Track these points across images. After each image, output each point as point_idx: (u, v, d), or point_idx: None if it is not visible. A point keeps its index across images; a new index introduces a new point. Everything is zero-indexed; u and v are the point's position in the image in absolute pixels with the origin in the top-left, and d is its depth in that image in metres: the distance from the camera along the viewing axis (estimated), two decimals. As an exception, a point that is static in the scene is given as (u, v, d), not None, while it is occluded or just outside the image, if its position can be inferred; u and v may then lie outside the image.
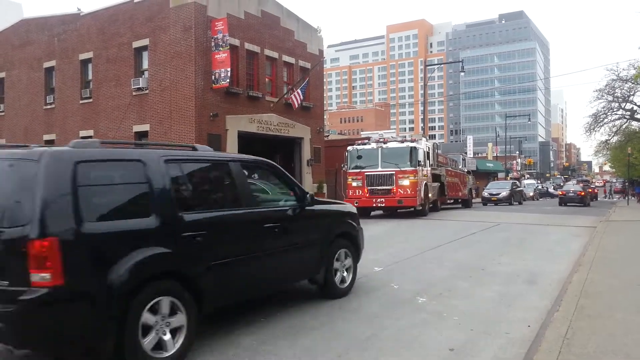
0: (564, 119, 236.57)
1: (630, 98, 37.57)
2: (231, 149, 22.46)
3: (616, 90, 37.27)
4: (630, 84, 35.40)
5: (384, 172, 19.52)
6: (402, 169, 19.27)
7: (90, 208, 4.06)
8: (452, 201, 27.59)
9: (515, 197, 34.79)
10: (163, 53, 22.48)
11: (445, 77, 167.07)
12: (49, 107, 27.12)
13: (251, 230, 5.46)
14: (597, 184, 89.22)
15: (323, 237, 6.53)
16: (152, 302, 4.25)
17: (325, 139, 33.48)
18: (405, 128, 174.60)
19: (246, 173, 5.77)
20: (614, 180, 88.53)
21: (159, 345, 4.31)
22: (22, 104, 28.22)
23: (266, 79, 25.87)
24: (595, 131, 40.47)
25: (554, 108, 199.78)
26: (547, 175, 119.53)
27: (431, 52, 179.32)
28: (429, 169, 21.25)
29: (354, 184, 19.94)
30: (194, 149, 5.57)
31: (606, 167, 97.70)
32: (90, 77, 25.47)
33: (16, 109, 28.53)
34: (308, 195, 6.30)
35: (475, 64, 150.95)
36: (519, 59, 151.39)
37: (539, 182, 73.11)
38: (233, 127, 23.21)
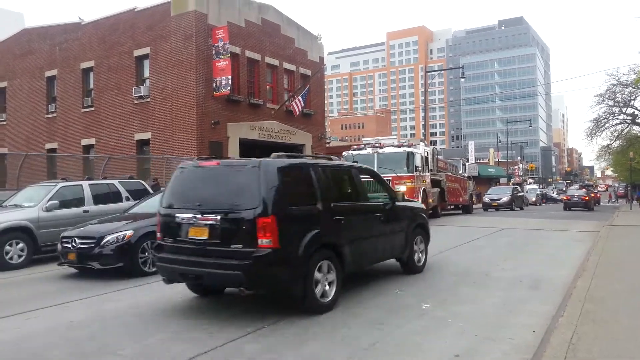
0: (565, 124, 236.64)
1: (631, 102, 37.63)
2: (233, 156, 22.48)
3: (617, 95, 37.33)
4: (630, 88, 35.46)
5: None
6: (398, 174, 18.60)
7: (288, 197, 6.11)
8: (452, 207, 27.40)
9: (517, 203, 34.46)
10: (164, 61, 22.55)
11: (446, 83, 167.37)
12: (50, 115, 27.19)
13: (367, 217, 7.65)
14: (599, 189, 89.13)
15: (407, 226, 8.58)
16: (319, 264, 6.28)
17: (327, 145, 33.52)
18: (406, 134, 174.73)
19: (361, 177, 7.90)
20: (617, 185, 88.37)
21: (322, 294, 6.37)
22: (24, 113, 28.29)
23: (267, 87, 25.93)
24: (597, 136, 40.50)
25: (555, 113, 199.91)
26: (549, 180, 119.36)
27: (431, 58, 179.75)
28: (428, 174, 20.95)
29: None
30: (330, 159, 7.70)
31: (608, 172, 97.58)
32: (91, 85, 25.55)
33: (18, 118, 28.61)
34: (397, 195, 8.48)
35: (475, 70, 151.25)
36: (519, 65, 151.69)
37: (541, 187, 72.99)
38: (234, 135, 23.24)
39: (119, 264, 9.05)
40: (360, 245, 7.23)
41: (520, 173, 77.50)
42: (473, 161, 76.18)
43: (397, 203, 8.32)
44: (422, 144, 21.71)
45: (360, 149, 20.65)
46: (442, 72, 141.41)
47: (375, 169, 17.46)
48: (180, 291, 7.49)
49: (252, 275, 5.77)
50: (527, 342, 5.26)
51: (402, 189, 16.84)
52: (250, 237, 5.77)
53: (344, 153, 20.15)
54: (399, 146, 20.27)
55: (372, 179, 8.74)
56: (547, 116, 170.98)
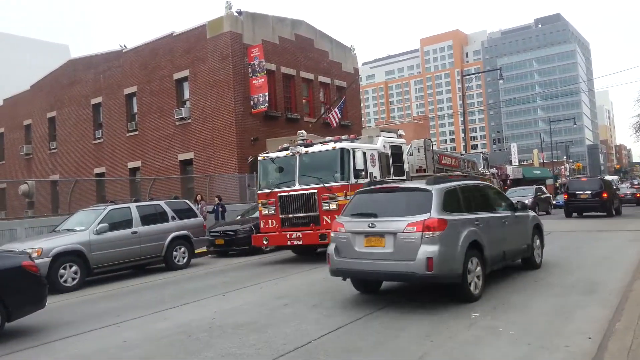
0: (611, 120, 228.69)
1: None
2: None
3: (665, 87, 35.80)
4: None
5: (301, 192, 12.69)
6: (326, 185, 12.39)
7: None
8: None
9: (541, 206, 29.04)
10: (203, 82, 23.12)
11: (484, 85, 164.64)
12: (97, 141, 28.21)
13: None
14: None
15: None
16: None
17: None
18: (445, 140, 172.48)
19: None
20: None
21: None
22: (73, 140, 29.46)
23: (303, 100, 26.18)
24: (646, 131, 38.90)
25: (600, 109, 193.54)
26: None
27: (467, 61, 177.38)
28: (394, 178, 14.86)
29: (265, 211, 13.22)
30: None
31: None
32: (135, 110, 26.41)
33: (67, 145, 29.81)
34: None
35: (513, 70, 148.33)
36: (559, 62, 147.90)
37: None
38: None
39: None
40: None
41: (567, 173, 75.18)
42: (517, 163, 74.46)
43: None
44: (386, 134, 15.49)
45: (286, 149, 13.86)
46: (479, 74, 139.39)
47: (296, 179, 12.86)
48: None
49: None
50: (583, 349, 5.08)
51: (332, 206, 12.20)
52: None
53: (260, 156, 14.07)
54: (333, 141, 13.55)
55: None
56: (592, 113, 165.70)
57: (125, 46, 27.21)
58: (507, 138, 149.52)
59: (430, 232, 6.93)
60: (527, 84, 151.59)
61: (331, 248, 7.86)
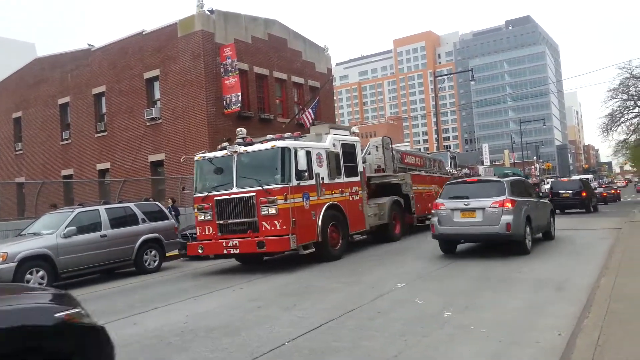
0: (580, 121, 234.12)
1: (646, 95, 36.99)
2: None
3: (630, 89, 36.74)
4: (644, 80, 34.90)
5: (239, 196, 11.55)
6: (265, 187, 11.25)
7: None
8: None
9: None
10: (174, 82, 22.79)
11: (456, 86, 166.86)
12: (65, 142, 27.56)
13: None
14: (619, 185, 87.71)
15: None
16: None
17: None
18: (419, 140, 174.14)
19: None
20: (637, 180, 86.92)
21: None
22: (39, 141, 28.73)
23: (277, 101, 26.05)
24: (613, 131, 39.77)
25: (569, 110, 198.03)
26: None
27: (440, 62, 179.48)
28: (345, 179, 13.33)
29: (201, 216, 12.12)
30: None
31: (627, 167, 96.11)
32: (104, 110, 25.88)
33: (34, 146, 29.06)
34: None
35: (485, 71, 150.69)
36: (529, 64, 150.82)
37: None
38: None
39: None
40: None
41: (537, 173, 76.68)
42: (488, 164, 75.60)
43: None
44: (336, 133, 13.76)
45: (224, 149, 12.54)
46: (452, 75, 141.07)
47: (234, 181, 11.68)
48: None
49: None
50: (553, 345, 5.15)
51: (271, 211, 11.08)
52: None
53: (196, 156, 12.89)
54: (276, 140, 12.33)
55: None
56: (561, 114, 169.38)
57: (92, 45, 26.67)
58: (479, 138, 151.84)
59: (507, 208, 10.80)
60: (498, 85, 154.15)
61: (434, 220, 11.57)
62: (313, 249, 11.76)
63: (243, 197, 11.47)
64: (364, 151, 16.30)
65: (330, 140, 13.10)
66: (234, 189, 11.63)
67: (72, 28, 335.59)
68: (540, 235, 13.28)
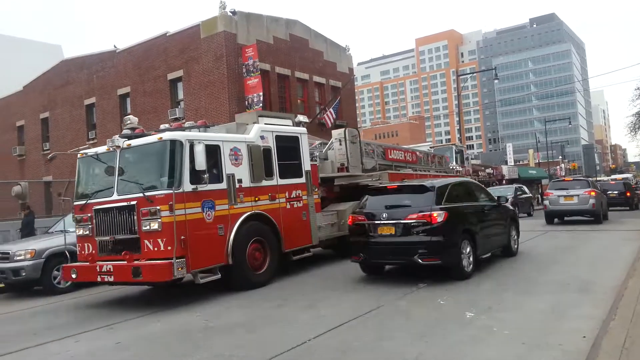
0: (607, 120, 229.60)
1: (675, 93, 36.05)
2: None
3: (659, 86, 35.88)
4: (673, 78, 34.04)
5: (119, 204, 8.76)
6: (147, 194, 8.41)
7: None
8: None
9: (523, 207, 26.80)
10: (197, 83, 23.03)
11: (479, 85, 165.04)
12: (91, 142, 28.03)
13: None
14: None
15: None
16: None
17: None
18: (441, 140, 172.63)
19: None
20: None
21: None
22: (66, 141, 29.27)
23: (298, 101, 26.12)
24: (640, 130, 38.94)
25: (595, 109, 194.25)
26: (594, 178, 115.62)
27: (463, 61, 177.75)
28: (280, 182, 10.49)
29: (79, 230, 9.44)
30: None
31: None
32: (129, 110, 26.24)
33: (61, 146, 29.60)
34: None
35: (509, 70, 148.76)
36: (554, 62, 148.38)
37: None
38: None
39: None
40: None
41: (563, 173, 75.39)
42: (512, 163, 74.60)
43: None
44: (268, 123, 10.90)
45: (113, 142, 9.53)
46: (475, 74, 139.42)
47: (116, 185, 8.89)
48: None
49: None
50: (577, 348, 5.06)
51: (153, 226, 8.27)
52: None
53: (80, 153, 10.50)
54: (172, 129, 9.89)
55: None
56: (587, 113, 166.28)
57: (117, 47, 27.08)
58: (503, 138, 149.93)
59: (593, 194, 18.74)
60: (522, 84, 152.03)
61: (547, 202, 19.71)
62: (218, 275, 8.72)
63: (123, 206, 8.61)
64: (327, 146, 13.79)
65: (257, 132, 10.17)
66: (114, 196, 8.82)
67: (97, 30, 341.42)
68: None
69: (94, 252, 9.10)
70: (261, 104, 22.12)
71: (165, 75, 24.31)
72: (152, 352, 6.03)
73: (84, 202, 9.38)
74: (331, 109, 25.13)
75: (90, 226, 9.15)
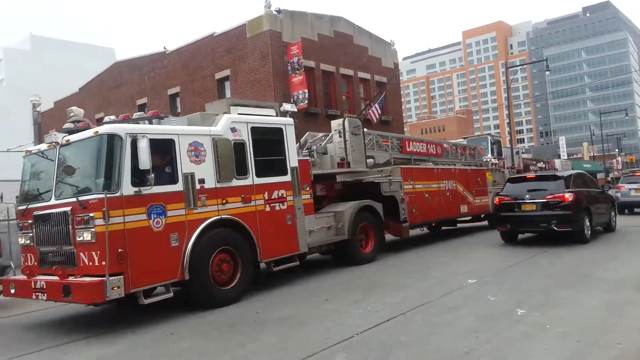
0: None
1: None
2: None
3: None
4: None
5: (55, 210, 7.48)
6: (81, 199, 7.03)
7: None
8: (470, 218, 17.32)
9: None
10: (243, 81, 23.40)
11: (530, 77, 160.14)
12: (143, 141, 28.94)
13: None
14: None
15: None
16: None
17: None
18: (490, 133, 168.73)
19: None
20: None
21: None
22: (120, 141, 30.31)
23: (343, 97, 26.12)
24: None
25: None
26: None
27: (512, 53, 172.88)
28: (257, 181, 8.90)
29: (22, 239, 8.24)
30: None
31: None
32: (179, 109, 26.96)
33: (115, 145, 30.71)
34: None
35: (561, 61, 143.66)
36: (609, 52, 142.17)
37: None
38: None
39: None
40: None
41: (619, 167, 72.28)
42: (565, 157, 72.17)
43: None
44: (241, 112, 9.33)
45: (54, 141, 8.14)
46: (525, 66, 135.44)
47: (53, 187, 7.57)
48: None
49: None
50: (637, 347, 4.88)
51: (86, 237, 6.93)
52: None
53: (24, 151, 8.64)
54: (117, 122, 7.96)
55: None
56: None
57: (166, 49, 27.82)
58: (555, 131, 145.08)
59: None
60: (575, 75, 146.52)
61: (619, 194, 19.80)
62: (170, 294, 7.39)
63: (59, 212, 7.36)
64: (327, 139, 12.49)
65: (226, 123, 8.70)
66: (52, 200, 7.58)
67: (147, 32, 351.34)
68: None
69: (35, 264, 7.87)
70: (307, 101, 22.26)
71: (213, 74, 24.81)
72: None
73: (25, 206, 8.11)
74: (376, 105, 25.00)
75: (31, 234, 7.92)
